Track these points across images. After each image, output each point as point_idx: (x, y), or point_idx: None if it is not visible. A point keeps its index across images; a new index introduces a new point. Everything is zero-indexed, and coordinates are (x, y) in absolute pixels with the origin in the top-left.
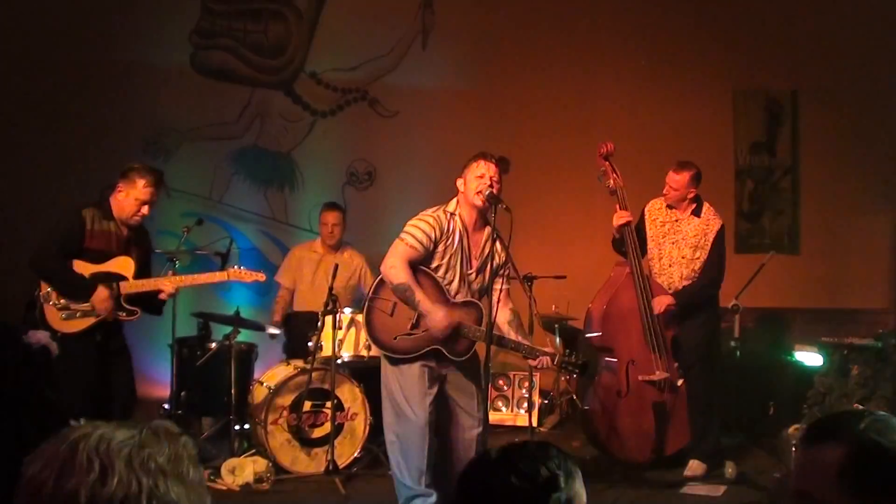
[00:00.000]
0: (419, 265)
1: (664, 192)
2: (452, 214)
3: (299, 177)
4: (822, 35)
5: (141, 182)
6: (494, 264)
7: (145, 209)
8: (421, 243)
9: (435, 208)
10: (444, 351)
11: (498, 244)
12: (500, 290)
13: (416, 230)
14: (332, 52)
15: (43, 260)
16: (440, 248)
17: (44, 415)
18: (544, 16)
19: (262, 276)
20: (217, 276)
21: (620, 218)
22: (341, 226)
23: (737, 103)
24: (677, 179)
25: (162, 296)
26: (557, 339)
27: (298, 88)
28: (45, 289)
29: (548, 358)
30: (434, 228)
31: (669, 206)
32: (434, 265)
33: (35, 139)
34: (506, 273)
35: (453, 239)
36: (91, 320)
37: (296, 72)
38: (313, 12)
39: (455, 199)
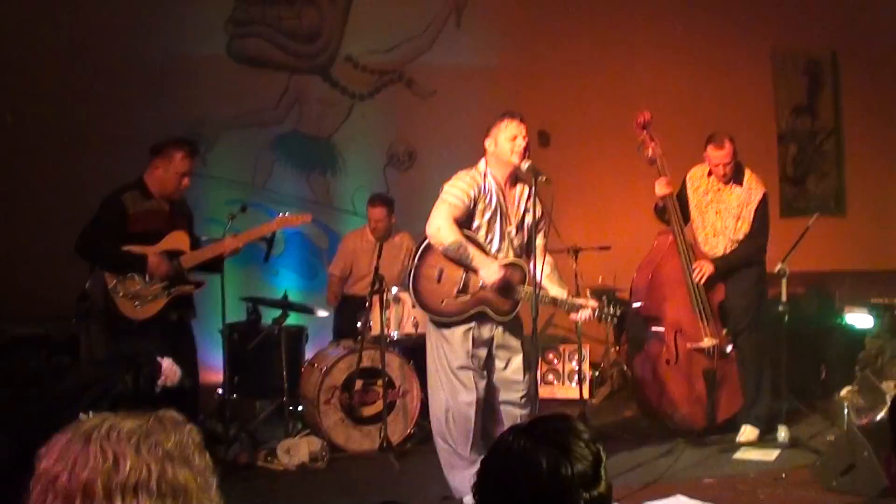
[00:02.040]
0: (461, 228)
1: (721, 173)
2: (484, 175)
3: (341, 160)
4: None
5: (178, 154)
6: (533, 219)
7: (186, 181)
8: (462, 200)
9: (466, 170)
10: (489, 312)
11: (533, 199)
12: (540, 245)
13: (456, 189)
14: (367, 35)
15: (87, 244)
16: (479, 206)
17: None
18: None
19: (308, 217)
20: (266, 228)
21: (662, 187)
22: (386, 220)
23: (776, 67)
24: (722, 154)
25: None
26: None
27: (335, 73)
28: (112, 281)
29: (589, 311)
30: (472, 187)
31: (711, 175)
32: (475, 225)
33: (75, 134)
34: (543, 228)
35: (490, 198)
36: (163, 301)
37: (332, 56)
38: None
39: (483, 161)
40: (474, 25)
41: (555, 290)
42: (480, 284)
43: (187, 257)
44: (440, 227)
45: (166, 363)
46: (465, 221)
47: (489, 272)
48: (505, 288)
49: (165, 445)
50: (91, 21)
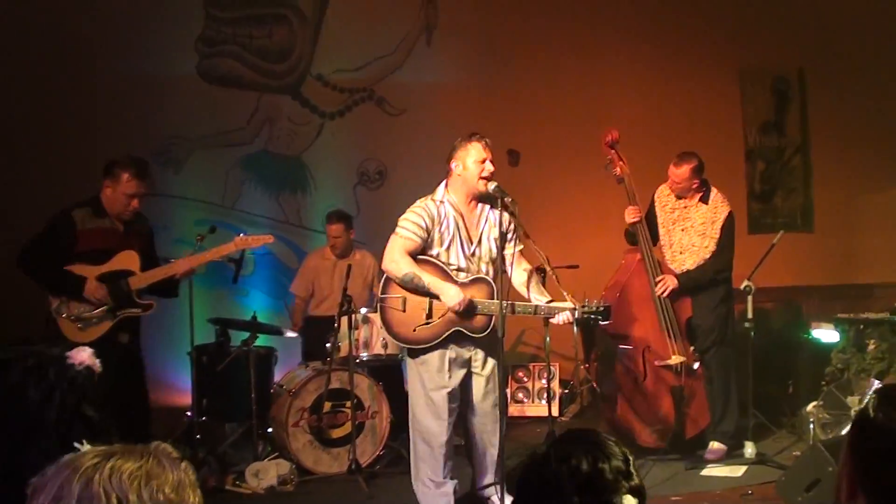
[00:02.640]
0: (421, 255)
1: (668, 184)
2: (441, 202)
3: (311, 179)
4: (826, 12)
5: (125, 175)
6: (497, 231)
7: (135, 202)
8: (415, 233)
9: (423, 199)
10: (463, 330)
11: (497, 213)
12: (512, 254)
13: (407, 222)
14: (338, 54)
15: (29, 259)
16: (435, 235)
17: (86, 436)
18: (547, 7)
19: (269, 238)
20: (225, 249)
21: (631, 215)
22: (344, 237)
23: (744, 84)
24: (678, 173)
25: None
26: (576, 329)
27: (305, 91)
28: (55, 303)
29: (567, 314)
30: (423, 217)
31: (678, 196)
32: (434, 252)
33: (43, 154)
34: (515, 237)
35: (447, 224)
36: (108, 324)
37: (302, 75)
38: (316, 15)
39: (443, 184)
40: (445, 44)
41: (534, 297)
42: (447, 307)
43: (136, 278)
44: (393, 261)
45: (73, 352)
46: (424, 249)
47: (449, 297)
48: (470, 308)
49: (166, 489)
50: (61, 40)
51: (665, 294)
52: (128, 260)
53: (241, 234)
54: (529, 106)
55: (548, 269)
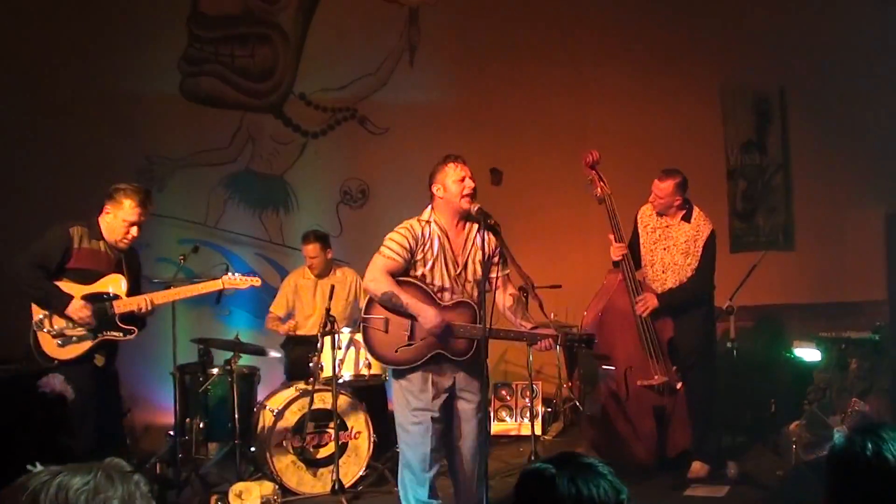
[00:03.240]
0: (403, 276)
1: (651, 199)
2: (427, 222)
3: (293, 198)
4: (806, 32)
5: (128, 202)
6: (483, 254)
7: (134, 230)
8: (397, 254)
9: (409, 219)
10: (446, 353)
11: (483, 234)
12: (497, 277)
13: (391, 242)
14: (320, 73)
15: (18, 265)
16: (419, 255)
17: (59, 462)
18: (528, 26)
19: (257, 282)
20: (211, 285)
21: (616, 253)
22: (320, 256)
23: (725, 103)
24: (662, 188)
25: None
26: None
27: (288, 110)
28: (38, 315)
29: (549, 340)
30: (407, 238)
31: (659, 214)
32: (419, 273)
33: (25, 173)
34: (501, 260)
35: (432, 245)
36: (88, 344)
37: (285, 94)
38: (299, 34)
39: (429, 207)
40: (427, 64)
41: (519, 323)
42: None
43: (121, 303)
44: (373, 279)
45: (44, 381)
46: (407, 270)
47: (426, 318)
48: (447, 332)
49: (113, 501)
50: (44, 58)
51: (646, 313)
52: (114, 283)
53: (229, 274)
54: (512, 125)
55: (530, 294)
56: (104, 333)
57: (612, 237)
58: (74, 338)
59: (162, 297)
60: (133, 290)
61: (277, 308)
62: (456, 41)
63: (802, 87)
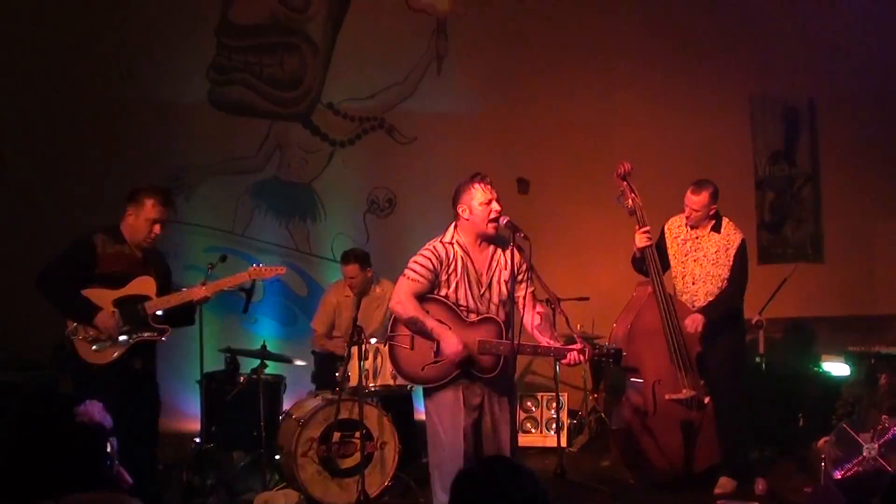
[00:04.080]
0: (429, 295)
1: (686, 214)
2: (450, 243)
3: (321, 207)
4: (835, 42)
5: (149, 202)
6: (507, 273)
7: (157, 228)
8: (423, 276)
9: (432, 240)
10: (473, 371)
11: (508, 253)
12: (524, 296)
13: (416, 265)
14: (348, 82)
15: (46, 279)
16: (443, 277)
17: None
18: (557, 35)
19: (282, 270)
20: (239, 277)
21: (642, 240)
22: (360, 276)
23: (754, 114)
24: (696, 200)
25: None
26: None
27: (316, 119)
28: (72, 324)
29: (576, 353)
30: (431, 260)
31: (692, 226)
32: (443, 294)
33: (56, 182)
34: (526, 278)
35: (455, 266)
36: (123, 348)
37: (312, 103)
38: (327, 43)
39: (452, 227)
40: (455, 73)
41: (545, 340)
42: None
43: (152, 303)
44: (399, 302)
45: (83, 409)
46: (432, 290)
47: (447, 344)
48: (468, 359)
49: None
50: (74, 68)
51: (697, 332)
52: (144, 285)
53: (255, 265)
54: (539, 134)
55: (557, 310)
56: (138, 335)
57: (637, 227)
58: (109, 342)
59: (190, 294)
60: (164, 290)
61: (319, 325)
62: (483, 50)
63: (831, 98)
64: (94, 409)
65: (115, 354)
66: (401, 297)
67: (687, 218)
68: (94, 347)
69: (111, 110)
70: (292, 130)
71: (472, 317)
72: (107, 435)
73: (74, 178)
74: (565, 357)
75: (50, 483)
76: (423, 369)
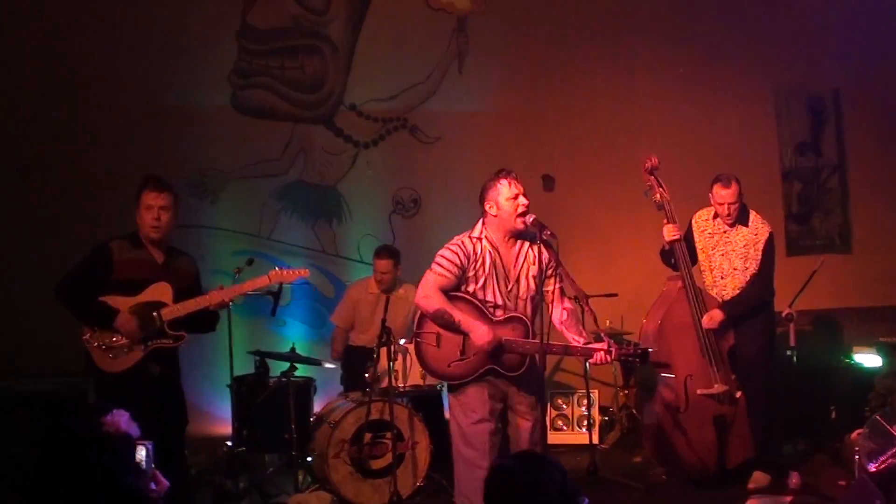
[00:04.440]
0: (455, 292)
1: (723, 212)
2: (479, 238)
3: (346, 209)
4: (861, 32)
5: (143, 193)
6: (536, 268)
7: (156, 214)
8: (449, 271)
9: (460, 235)
10: (498, 368)
11: (536, 248)
12: (552, 291)
13: (443, 259)
14: (370, 83)
15: (66, 289)
16: (470, 273)
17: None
18: (578, 31)
19: (305, 272)
20: (259, 282)
21: (671, 233)
22: (392, 273)
23: (779, 104)
24: (729, 193)
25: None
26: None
27: (339, 121)
28: (87, 332)
29: (602, 353)
30: (458, 255)
31: (717, 218)
32: (470, 290)
33: (80, 191)
34: (555, 273)
35: (483, 262)
36: (138, 354)
37: (335, 105)
38: (348, 45)
39: (480, 223)
40: (476, 71)
41: (572, 337)
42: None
43: (168, 310)
44: (425, 296)
45: (110, 419)
46: (458, 286)
47: (477, 335)
48: (500, 349)
49: None
50: (97, 74)
51: (714, 327)
52: (160, 291)
53: (277, 268)
54: (563, 131)
55: (586, 309)
56: (154, 342)
57: (665, 220)
58: (125, 349)
59: (207, 300)
60: (184, 293)
61: (340, 319)
62: (504, 48)
63: (857, 87)
64: (122, 419)
65: (132, 362)
66: (427, 290)
67: (726, 217)
68: (110, 355)
69: (135, 116)
70: (315, 133)
71: (499, 314)
72: (133, 444)
73: (98, 186)
74: (592, 356)
75: (74, 499)
76: (449, 366)
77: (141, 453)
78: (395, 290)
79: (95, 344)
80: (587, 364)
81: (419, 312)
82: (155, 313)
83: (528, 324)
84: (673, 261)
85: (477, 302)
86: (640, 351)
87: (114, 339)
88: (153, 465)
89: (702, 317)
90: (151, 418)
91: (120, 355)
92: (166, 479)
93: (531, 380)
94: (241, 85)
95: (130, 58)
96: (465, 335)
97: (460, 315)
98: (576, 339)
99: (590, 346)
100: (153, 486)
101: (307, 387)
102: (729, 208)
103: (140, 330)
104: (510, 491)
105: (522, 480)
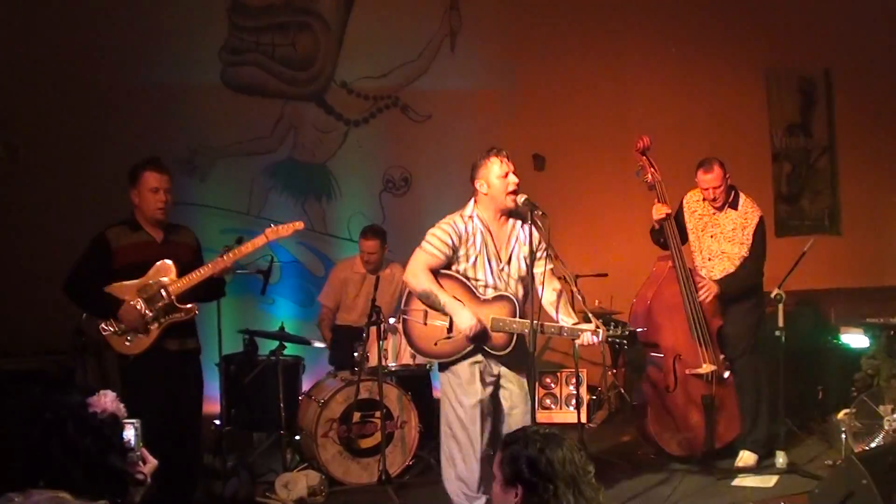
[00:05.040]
0: (445, 270)
1: (707, 197)
2: (470, 217)
3: (336, 187)
4: (851, 13)
5: (144, 173)
6: (527, 249)
7: (161, 196)
8: (439, 250)
9: (452, 214)
10: (486, 347)
11: (527, 228)
12: (543, 272)
13: (434, 237)
14: (361, 61)
15: (72, 286)
16: (461, 251)
17: (114, 488)
18: (570, 11)
19: (300, 225)
20: (259, 241)
21: (660, 211)
22: (379, 253)
23: (769, 85)
24: (711, 178)
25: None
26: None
27: (330, 99)
28: (101, 321)
29: (590, 334)
30: (450, 235)
31: (706, 200)
32: (461, 269)
33: (70, 170)
34: (545, 254)
35: (475, 241)
36: (154, 335)
37: (326, 82)
38: (340, 22)
39: (471, 201)
40: (468, 50)
41: (561, 318)
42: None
43: (174, 286)
44: (414, 275)
45: (95, 399)
46: (449, 265)
47: (460, 320)
48: (483, 334)
49: None
50: (86, 50)
51: (709, 299)
52: (164, 269)
53: (272, 225)
54: (554, 110)
55: (574, 289)
56: (166, 318)
57: (656, 200)
58: (139, 332)
59: (209, 268)
60: (187, 266)
61: (327, 299)
62: (497, 26)
63: (847, 68)
64: (107, 400)
65: (149, 342)
66: (415, 269)
67: (712, 201)
68: (127, 339)
69: (124, 93)
70: (306, 110)
71: (489, 292)
72: (120, 426)
73: (89, 164)
74: (579, 337)
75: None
76: (435, 344)
77: (129, 433)
78: (382, 270)
79: (112, 330)
80: (576, 344)
81: (407, 290)
82: (162, 291)
83: (517, 303)
84: (662, 240)
85: (466, 280)
86: (626, 333)
87: (126, 325)
88: (141, 445)
89: (692, 297)
90: (171, 395)
91: (136, 338)
92: (174, 455)
93: (520, 359)
94: (231, 62)
95: (120, 34)
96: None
97: (446, 297)
98: (564, 321)
99: (577, 327)
100: (140, 465)
101: (296, 366)
102: (713, 192)
103: (144, 314)
104: (524, 457)
105: (537, 447)
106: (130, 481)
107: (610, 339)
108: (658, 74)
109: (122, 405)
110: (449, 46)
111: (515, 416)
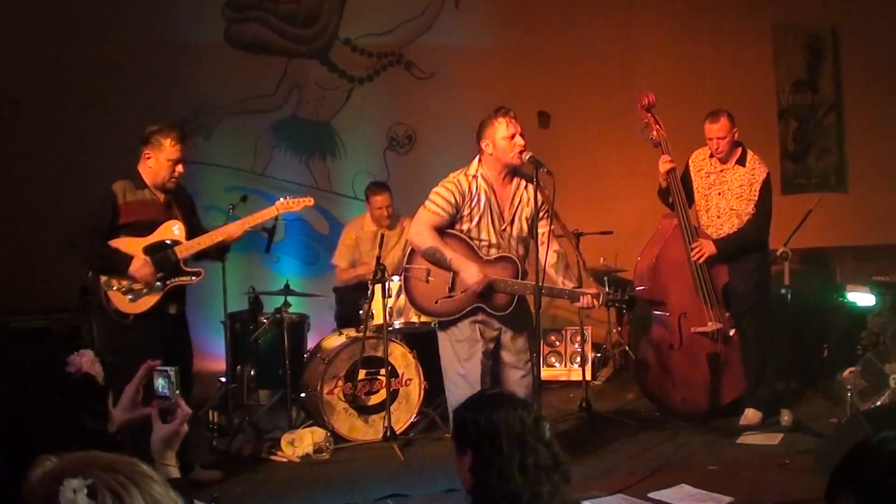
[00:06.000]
0: (448, 229)
1: (713, 148)
2: (474, 176)
3: (340, 144)
4: None
5: (167, 141)
6: (530, 209)
7: (180, 167)
8: (443, 209)
9: (456, 172)
10: (486, 307)
11: (531, 189)
12: (545, 233)
13: (437, 196)
14: (365, 17)
15: (73, 239)
16: (465, 211)
17: (85, 445)
18: None
19: (310, 201)
20: (268, 212)
21: (665, 163)
22: (391, 206)
23: (776, 42)
24: (717, 128)
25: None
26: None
27: (334, 56)
28: (104, 276)
29: (589, 297)
30: (453, 193)
31: (713, 157)
32: (465, 228)
33: (74, 126)
34: (546, 215)
35: (478, 200)
36: (157, 295)
37: (330, 40)
38: None
39: (476, 160)
40: (473, 6)
41: (560, 280)
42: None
43: (183, 247)
44: (418, 233)
45: (73, 358)
46: (452, 224)
47: (467, 275)
48: (489, 289)
49: None
50: (89, 7)
51: (701, 260)
52: (172, 230)
53: (282, 199)
54: (559, 67)
55: (575, 251)
56: (172, 281)
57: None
58: (143, 290)
59: (222, 233)
60: (192, 229)
61: (341, 260)
62: None
63: (855, 25)
64: (84, 360)
65: (152, 302)
66: (420, 227)
67: (716, 151)
68: (129, 297)
69: (127, 51)
70: (310, 68)
71: (493, 252)
72: (97, 386)
73: (92, 120)
74: (578, 300)
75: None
76: (436, 303)
77: (161, 381)
78: (399, 224)
79: (115, 287)
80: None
81: (410, 248)
82: (170, 251)
83: (518, 265)
84: (670, 199)
85: (469, 240)
86: (626, 297)
87: (132, 283)
88: (177, 392)
89: (692, 251)
90: (169, 358)
91: (140, 297)
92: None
93: (521, 319)
94: (235, 19)
95: None
96: (456, 273)
97: (451, 253)
98: (564, 282)
99: (577, 290)
100: (177, 411)
101: (301, 323)
102: (718, 143)
103: (155, 273)
104: (473, 425)
105: (484, 416)
106: (105, 443)
107: (610, 303)
108: (664, 29)
109: (98, 366)
110: (453, 2)
111: (513, 377)
